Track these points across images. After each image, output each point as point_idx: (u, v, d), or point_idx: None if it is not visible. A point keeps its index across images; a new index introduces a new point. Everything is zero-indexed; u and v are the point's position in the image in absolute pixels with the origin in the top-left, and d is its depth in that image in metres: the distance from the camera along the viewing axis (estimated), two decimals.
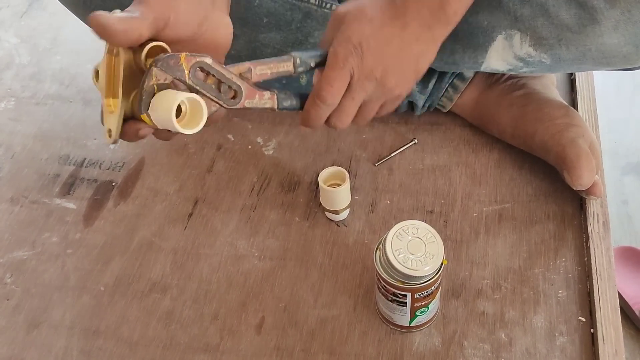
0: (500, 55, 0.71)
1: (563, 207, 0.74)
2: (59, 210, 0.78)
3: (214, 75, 0.57)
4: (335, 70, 0.61)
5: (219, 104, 0.58)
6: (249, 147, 0.83)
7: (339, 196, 0.71)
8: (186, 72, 0.55)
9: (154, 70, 0.54)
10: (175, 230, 0.75)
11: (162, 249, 0.73)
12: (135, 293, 0.70)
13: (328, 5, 0.79)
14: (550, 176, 0.76)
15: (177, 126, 0.53)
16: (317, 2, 0.79)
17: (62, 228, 0.76)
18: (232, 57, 0.78)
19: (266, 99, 0.61)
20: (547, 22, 0.66)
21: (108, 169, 0.82)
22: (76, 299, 0.70)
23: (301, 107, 0.64)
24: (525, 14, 0.67)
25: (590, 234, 0.70)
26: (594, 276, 0.67)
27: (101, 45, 0.56)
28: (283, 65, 0.61)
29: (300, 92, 0.64)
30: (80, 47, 0.99)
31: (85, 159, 0.83)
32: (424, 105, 0.81)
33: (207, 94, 0.57)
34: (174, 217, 0.76)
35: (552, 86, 0.81)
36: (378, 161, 0.80)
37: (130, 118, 0.57)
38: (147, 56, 0.55)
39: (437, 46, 0.63)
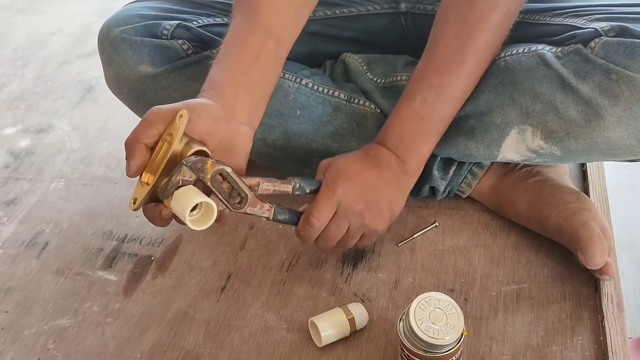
0: (514, 148, 0.77)
1: (579, 289, 0.77)
2: (101, 281, 0.83)
3: (229, 182, 0.65)
4: (326, 200, 0.71)
5: (227, 206, 0.66)
6: (280, 226, 0.88)
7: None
8: (208, 175, 0.63)
9: (184, 168, 0.62)
10: (208, 303, 0.79)
11: (195, 319, 0.77)
12: None
13: (355, 101, 0.87)
14: (565, 259, 0.80)
15: (189, 220, 0.62)
16: (345, 98, 0.87)
17: (103, 298, 0.81)
18: (269, 146, 0.86)
19: (265, 210, 0.69)
20: (557, 117, 0.72)
21: (148, 244, 0.88)
22: None
23: (295, 223, 0.73)
24: (537, 110, 0.73)
25: (605, 314, 0.73)
26: (610, 354, 0.69)
27: None
28: (284, 186, 0.70)
29: (295, 210, 0.73)
30: (126, 135, 1.07)
31: (127, 235, 0.89)
32: (444, 191, 0.87)
33: (219, 197, 0.65)
34: (207, 290, 0.81)
35: (564, 174, 0.86)
36: (401, 242, 0.85)
37: (156, 201, 0.65)
38: (192, 154, 0.64)
39: (405, 194, 0.77)
